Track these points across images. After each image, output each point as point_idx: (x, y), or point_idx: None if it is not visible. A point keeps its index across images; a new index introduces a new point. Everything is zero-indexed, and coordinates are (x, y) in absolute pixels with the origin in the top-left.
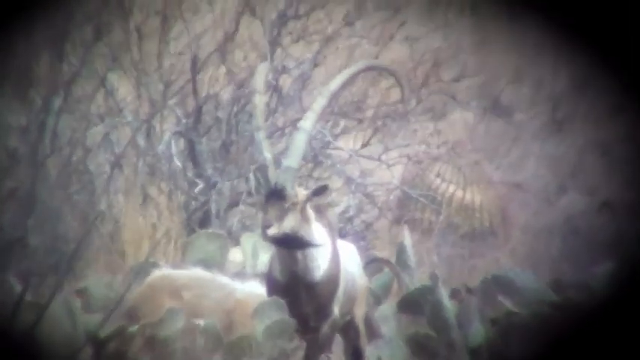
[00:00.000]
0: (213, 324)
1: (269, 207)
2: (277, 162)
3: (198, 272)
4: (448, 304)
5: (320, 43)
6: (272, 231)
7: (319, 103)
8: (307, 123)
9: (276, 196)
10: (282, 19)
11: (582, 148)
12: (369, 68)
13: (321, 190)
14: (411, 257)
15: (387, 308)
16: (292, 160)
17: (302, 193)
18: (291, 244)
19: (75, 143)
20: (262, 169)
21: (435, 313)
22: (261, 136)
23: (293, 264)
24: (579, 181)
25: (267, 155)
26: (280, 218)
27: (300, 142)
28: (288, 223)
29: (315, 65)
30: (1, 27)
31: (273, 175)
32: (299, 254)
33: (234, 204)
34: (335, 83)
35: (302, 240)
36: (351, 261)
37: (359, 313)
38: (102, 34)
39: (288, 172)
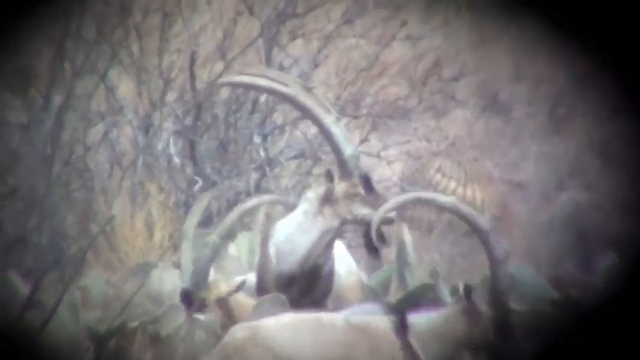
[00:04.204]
0: (212, 320)
1: (377, 195)
2: (357, 156)
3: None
4: (449, 301)
5: (319, 41)
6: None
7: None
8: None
9: (371, 184)
10: (281, 18)
11: (581, 146)
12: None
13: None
14: (411, 255)
15: None
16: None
17: None
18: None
19: (75, 141)
20: (354, 159)
21: None
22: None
23: (323, 254)
24: (578, 179)
25: (350, 147)
26: None
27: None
28: None
29: (316, 65)
30: (2, 24)
31: (359, 166)
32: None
33: (233, 203)
34: None
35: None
36: (337, 257)
37: None
38: (103, 31)
39: None
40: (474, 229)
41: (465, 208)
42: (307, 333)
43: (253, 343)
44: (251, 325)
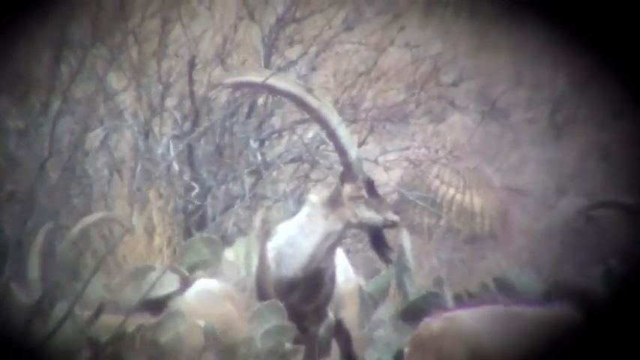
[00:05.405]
0: (212, 326)
1: (381, 199)
2: (361, 159)
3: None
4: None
5: (318, 47)
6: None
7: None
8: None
9: (374, 188)
10: (280, 24)
11: (581, 151)
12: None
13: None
14: (410, 260)
15: (385, 312)
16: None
17: None
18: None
19: (74, 146)
20: (359, 162)
21: None
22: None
23: (326, 258)
24: (578, 185)
25: (355, 150)
26: None
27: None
28: None
29: (313, 69)
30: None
31: (363, 169)
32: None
33: (228, 207)
34: None
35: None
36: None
37: (348, 317)
38: (101, 35)
39: None
40: None
41: None
42: (499, 324)
43: (449, 333)
44: (446, 316)
